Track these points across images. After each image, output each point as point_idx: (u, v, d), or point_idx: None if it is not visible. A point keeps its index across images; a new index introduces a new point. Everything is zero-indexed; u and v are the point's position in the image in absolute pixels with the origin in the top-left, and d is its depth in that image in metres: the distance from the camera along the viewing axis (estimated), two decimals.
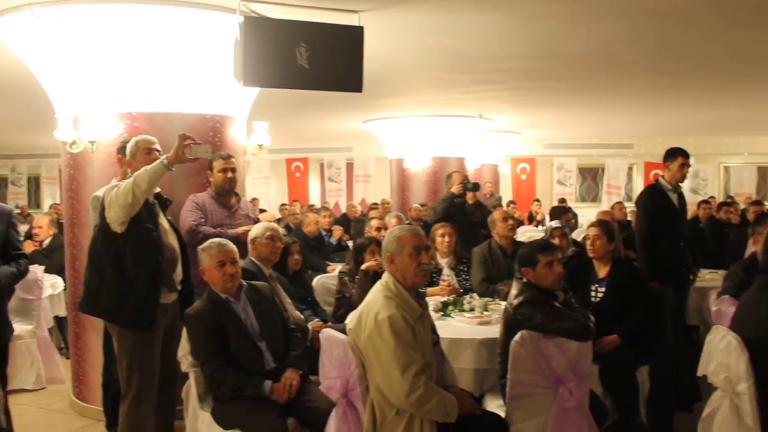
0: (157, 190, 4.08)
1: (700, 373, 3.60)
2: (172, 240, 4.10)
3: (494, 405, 3.89)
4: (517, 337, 3.46)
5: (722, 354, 3.38)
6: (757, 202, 11.06)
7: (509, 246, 5.63)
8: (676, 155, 5.85)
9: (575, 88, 8.89)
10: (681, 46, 6.44)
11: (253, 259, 4.75)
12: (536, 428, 3.54)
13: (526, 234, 10.03)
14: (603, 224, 5.08)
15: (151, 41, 4.89)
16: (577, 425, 3.56)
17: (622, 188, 15.80)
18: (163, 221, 4.10)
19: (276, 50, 4.48)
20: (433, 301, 4.98)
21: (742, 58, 6.95)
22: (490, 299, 5.08)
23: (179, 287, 4.15)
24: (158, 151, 4.12)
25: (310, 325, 4.71)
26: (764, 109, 11.16)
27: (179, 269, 4.13)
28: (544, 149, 16.58)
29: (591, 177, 19.40)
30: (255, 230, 4.84)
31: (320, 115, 11.31)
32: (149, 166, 3.76)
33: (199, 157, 3.86)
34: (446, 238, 5.66)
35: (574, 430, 3.54)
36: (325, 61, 4.60)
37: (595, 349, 4.55)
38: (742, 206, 11.94)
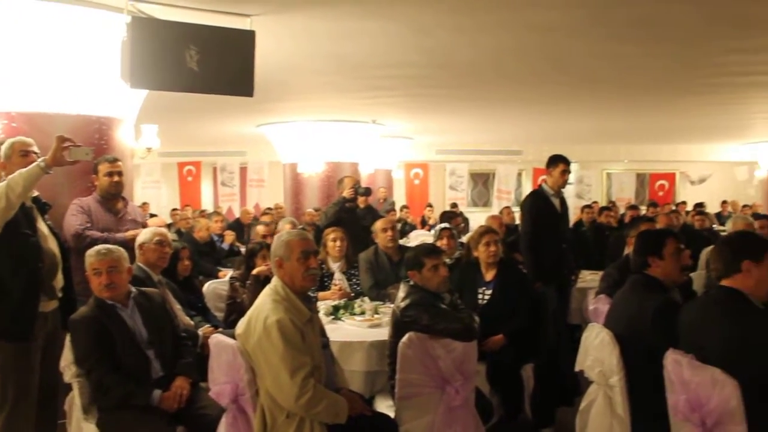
0: (35, 193, 3.93)
1: (577, 368, 3.77)
2: (52, 245, 3.95)
3: (384, 406, 3.95)
4: (405, 338, 3.54)
5: (597, 349, 3.56)
6: (634, 207, 11.68)
7: (394, 253, 5.67)
8: (558, 162, 6.11)
9: (465, 96, 9.13)
10: (565, 59, 6.72)
11: (141, 264, 4.63)
12: (425, 427, 3.62)
13: (419, 238, 10.20)
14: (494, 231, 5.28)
15: (34, 38, 4.67)
16: (464, 422, 3.67)
17: (512, 193, 16.31)
18: (42, 226, 3.95)
19: (165, 52, 4.40)
20: (324, 305, 5.01)
21: (622, 70, 7.33)
22: (381, 303, 5.14)
23: (60, 294, 4.00)
24: (36, 153, 3.97)
25: (200, 332, 4.65)
26: (643, 118, 11.77)
27: (60, 276, 3.99)
28: (436, 155, 16.89)
29: (482, 182, 19.93)
30: (143, 235, 4.72)
31: (213, 118, 11.13)
32: (24, 169, 3.63)
33: (79, 159, 3.75)
34: (338, 243, 5.69)
35: (460, 428, 3.65)
36: (216, 65, 4.55)
37: (481, 349, 4.70)
38: (622, 210, 12.57)
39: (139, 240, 4.69)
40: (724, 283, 3.09)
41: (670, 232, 3.85)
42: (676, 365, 2.99)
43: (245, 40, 4.66)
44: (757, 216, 8.01)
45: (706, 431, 2.88)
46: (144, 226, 5.26)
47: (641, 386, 3.39)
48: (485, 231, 5.21)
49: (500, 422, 4.84)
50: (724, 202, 17.27)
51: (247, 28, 4.75)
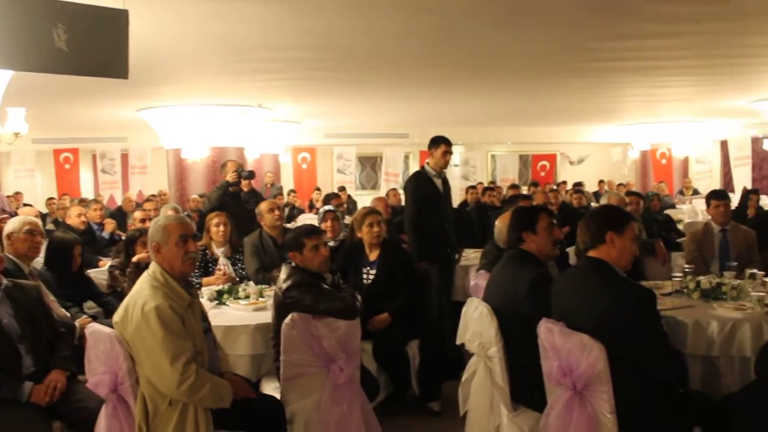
0: None
1: (458, 341, 3.90)
2: None
3: (271, 388, 3.96)
4: (288, 319, 3.54)
5: (476, 323, 3.69)
6: (514, 186, 12.09)
7: (279, 236, 5.61)
8: (439, 143, 6.24)
9: (350, 79, 9.13)
10: (447, 43, 6.82)
11: (10, 255, 4.42)
12: (311, 406, 3.65)
13: (307, 222, 10.18)
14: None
15: None
16: (350, 400, 3.72)
17: (400, 176, 16.43)
18: None
19: (30, 30, 4.16)
20: (208, 291, 4.94)
21: (503, 54, 7.52)
22: (266, 286, 5.11)
23: None
24: None
25: (77, 323, 4.48)
26: (525, 101, 12.15)
27: None
28: (324, 139, 16.83)
29: (370, 165, 20.05)
30: (11, 225, 4.50)
31: (89, 102, 10.65)
32: None
33: None
34: (221, 228, 5.60)
35: (347, 405, 3.70)
36: (87, 45, 4.34)
37: (367, 327, 4.79)
38: (505, 191, 12.97)
39: (7, 230, 4.48)
40: (591, 254, 3.26)
41: (542, 208, 4.01)
42: (549, 333, 3.14)
43: (118, 19, 4.47)
44: (628, 193, 8.48)
45: (577, 394, 3.04)
46: (13, 215, 5.03)
47: (519, 356, 3.54)
48: (368, 212, 5.27)
49: (388, 399, 4.94)
50: (600, 182, 18.10)
51: (120, 6, 4.57)
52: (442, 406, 5.06)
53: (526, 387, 3.50)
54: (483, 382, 3.78)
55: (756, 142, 15.72)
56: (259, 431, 3.47)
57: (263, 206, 5.77)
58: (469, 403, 3.92)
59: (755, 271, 5.04)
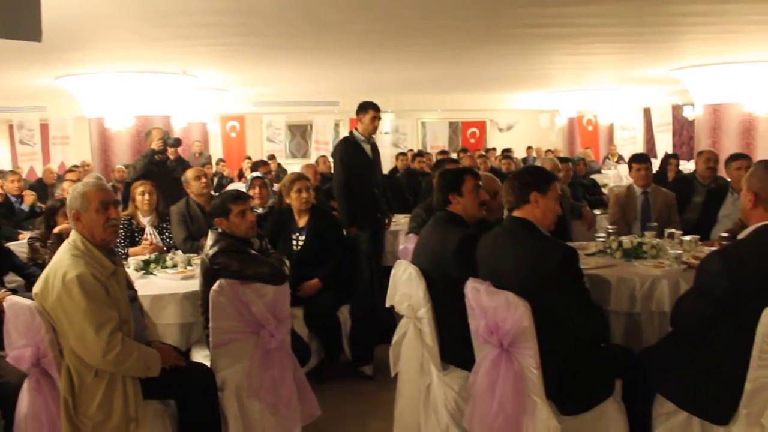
0: None
1: (388, 304, 3.93)
2: None
3: (201, 356, 3.92)
4: (216, 285, 3.50)
5: (405, 285, 3.72)
6: (443, 152, 12.19)
7: (207, 203, 5.52)
8: (368, 108, 6.22)
9: (278, 45, 8.97)
10: (374, 9, 6.75)
11: None
12: (242, 372, 3.63)
13: None
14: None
15: None
16: (281, 365, 3.71)
17: (330, 144, 16.33)
18: None
19: None
20: (134, 261, 4.84)
21: (427, 20, 7.50)
22: (195, 254, 5.04)
23: None
24: None
25: None
26: (453, 68, 12.18)
27: None
28: (253, 107, 16.59)
29: (300, 133, 19.89)
30: None
31: (1, 68, 10.19)
32: None
33: None
34: (146, 196, 5.47)
35: (278, 371, 3.69)
36: None
37: (298, 294, 4.79)
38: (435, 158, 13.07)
39: None
40: (516, 214, 3.32)
41: (468, 169, 4.05)
42: (476, 292, 3.19)
43: None
44: (559, 159, 8.66)
45: (503, 351, 3.11)
46: None
47: (447, 316, 3.59)
48: (296, 178, 5.23)
49: (321, 364, 4.97)
50: (528, 148, 18.44)
51: None
52: (374, 369, 5.13)
53: (455, 346, 3.56)
54: (413, 344, 3.83)
55: (676, 109, 16.21)
56: (190, 399, 3.44)
57: (189, 174, 5.66)
58: (400, 365, 3.97)
59: (674, 231, 5.24)
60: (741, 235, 3.09)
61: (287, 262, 3.88)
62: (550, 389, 3.04)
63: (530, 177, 3.35)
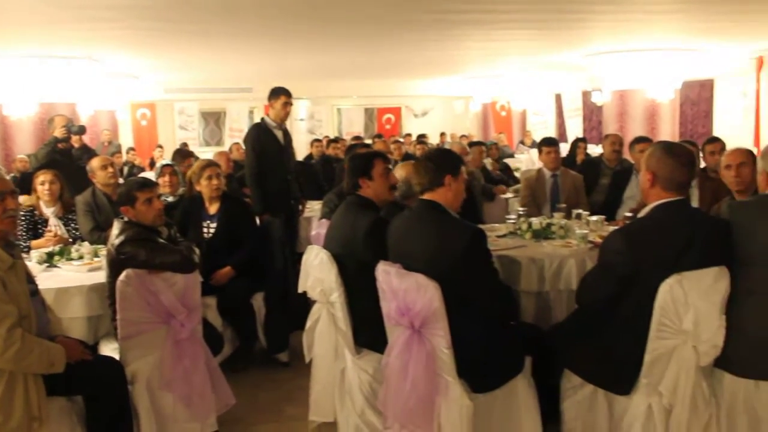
0: None
1: (300, 290, 3.91)
2: None
3: (110, 349, 3.81)
4: (123, 276, 3.41)
5: (317, 269, 3.71)
6: (357, 138, 12.22)
7: (114, 193, 5.29)
8: (279, 94, 6.16)
9: (189, 30, 8.73)
10: None
11: None
12: (153, 364, 3.55)
13: None
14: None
15: None
16: (193, 355, 3.65)
17: (244, 131, 16.08)
18: None
19: None
20: (37, 254, 4.66)
21: (337, 7, 7.46)
22: (102, 246, 4.88)
23: None
24: None
25: None
26: (365, 54, 12.15)
27: None
28: (165, 94, 16.16)
29: (214, 121, 19.51)
30: None
31: None
32: None
33: None
34: (46, 186, 5.25)
35: (189, 360, 3.63)
36: None
37: (211, 282, 4.72)
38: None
39: None
40: (426, 196, 3.35)
41: (377, 153, 4.06)
42: (386, 275, 3.20)
43: None
44: (471, 143, 8.80)
45: (415, 332, 3.14)
46: None
47: (359, 300, 3.60)
48: (206, 165, 5.15)
49: (236, 353, 4.92)
50: (442, 134, 18.63)
51: None
52: (290, 356, 5.11)
53: (368, 330, 3.57)
54: (326, 329, 3.83)
55: (586, 95, 16.67)
56: (98, 394, 3.33)
57: (95, 163, 5.47)
58: (314, 350, 3.96)
59: (581, 211, 5.41)
60: (640, 214, 3.22)
61: (197, 250, 3.81)
62: (462, 368, 3.09)
63: (444, 160, 3.38)
